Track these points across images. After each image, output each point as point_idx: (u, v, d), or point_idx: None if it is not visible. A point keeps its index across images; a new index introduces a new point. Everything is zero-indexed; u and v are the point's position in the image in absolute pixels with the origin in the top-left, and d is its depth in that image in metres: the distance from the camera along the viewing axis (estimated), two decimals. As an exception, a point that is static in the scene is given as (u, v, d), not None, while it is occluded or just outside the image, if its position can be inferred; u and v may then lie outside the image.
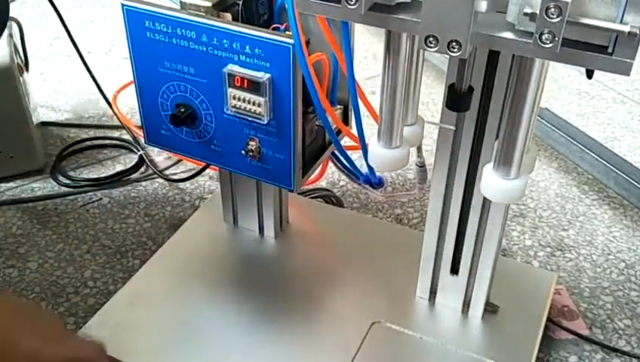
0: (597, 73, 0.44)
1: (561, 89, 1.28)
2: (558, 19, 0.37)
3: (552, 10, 0.37)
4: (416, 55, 0.53)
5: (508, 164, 0.49)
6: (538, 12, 0.37)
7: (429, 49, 0.40)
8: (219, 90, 0.64)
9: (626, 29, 0.37)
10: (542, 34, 0.38)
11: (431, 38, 0.40)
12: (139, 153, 1.06)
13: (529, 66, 0.44)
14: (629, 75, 0.38)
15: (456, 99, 0.51)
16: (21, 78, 0.98)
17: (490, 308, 0.73)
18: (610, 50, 0.39)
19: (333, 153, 0.75)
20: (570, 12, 0.37)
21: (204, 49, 0.62)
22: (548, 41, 0.38)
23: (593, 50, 0.39)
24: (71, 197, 0.99)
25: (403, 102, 0.50)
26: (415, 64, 0.54)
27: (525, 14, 0.38)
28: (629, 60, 0.38)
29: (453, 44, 0.39)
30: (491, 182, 0.51)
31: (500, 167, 0.50)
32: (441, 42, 0.40)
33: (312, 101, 0.61)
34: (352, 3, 0.41)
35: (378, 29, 0.45)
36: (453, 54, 0.40)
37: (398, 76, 0.49)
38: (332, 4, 0.44)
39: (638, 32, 0.37)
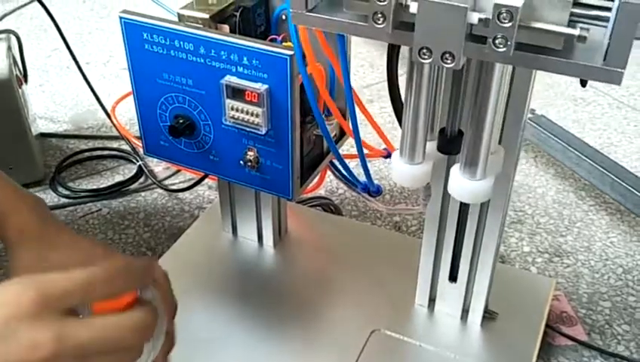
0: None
1: (557, 95, 1.29)
2: (509, 23, 0.38)
3: (504, 15, 0.38)
4: (439, 69, 0.53)
5: (474, 165, 0.50)
6: (490, 17, 0.38)
7: (422, 61, 0.41)
8: (217, 101, 0.64)
9: (576, 32, 0.38)
10: (495, 38, 0.39)
11: (425, 50, 0.40)
12: (138, 163, 1.06)
13: (490, 69, 0.45)
14: (619, 84, 0.39)
15: (446, 144, 0.53)
16: (20, 90, 0.98)
17: (489, 315, 0.73)
18: (565, 53, 0.40)
19: (331, 162, 0.75)
20: (522, 16, 0.38)
21: (202, 61, 0.63)
22: (501, 45, 0.39)
23: (547, 54, 0.40)
24: (70, 208, 0.99)
25: (427, 118, 0.51)
26: (438, 78, 0.54)
27: (480, 20, 0.40)
28: (585, 63, 0.39)
29: (447, 55, 0.40)
30: (458, 182, 0.52)
31: (467, 168, 0.51)
32: (435, 54, 0.40)
33: (310, 110, 0.62)
34: (380, 22, 0.41)
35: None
36: (447, 65, 0.40)
37: (422, 91, 0.49)
38: (326, 17, 0.45)
39: (587, 35, 0.38)
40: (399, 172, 0.55)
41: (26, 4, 1.50)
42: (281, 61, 0.59)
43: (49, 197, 1.01)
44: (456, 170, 0.52)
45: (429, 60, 0.40)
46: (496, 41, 0.39)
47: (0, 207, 0.54)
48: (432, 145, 0.58)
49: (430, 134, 0.57)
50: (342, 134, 0.74)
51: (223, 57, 0.62)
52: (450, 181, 0.53)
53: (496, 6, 0.38)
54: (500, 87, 0.47)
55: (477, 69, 0.46)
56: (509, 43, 0.39)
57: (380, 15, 0.41)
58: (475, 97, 0.47)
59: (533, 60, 0.41)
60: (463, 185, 0.52)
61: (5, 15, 1.26)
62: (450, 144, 0.53)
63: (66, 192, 1.02)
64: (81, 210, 0.99)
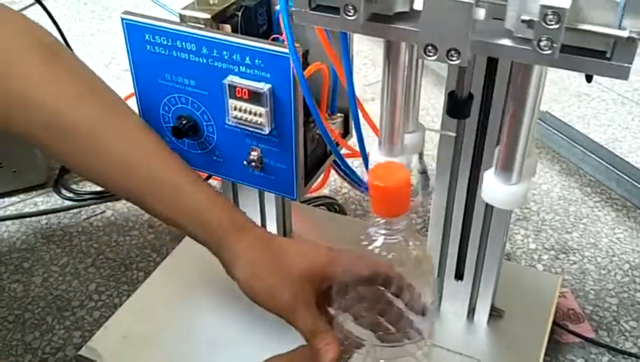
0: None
1: (561, 91, 1.28)
2: (556, 25, 0.37)
3: (551, 16, 0.37)
4: (416, 63, 0.53)
5: (509, 169, 0.49)
6: (536, 19, 0.37)
7: (428, 58, 0.40)
8: (220, 102, 0.64)
9: (625, 34, 0.37)
10: (540, 40, 0.38)
11: (430, 47, 0.40)
12: (141, 165, 1.06)
13: (528, 72, 0.44)
14: (627, 79, 0.39)
15: (456, 106, 0.51)
16: (23, 93, 0.98)
17: (495, 313, 0.73)
18: (608, 55, 0.39)
19: (334, 161, 0.75)
20: (569, 18, 0.37)
21: (205, 61, 0.63)
22: (547, 48, 0.38)
23: (592, 56, 0.39)
24: (74, 210, 0.99)
25: (403, 110, 0.50)
26: (414, 72, 0.54)
27: (523, 21, 0.39)
28: (627, 65, 0.38)
29: (452, 52, 0.39)
30: (492, 187, 0.51)
31: (501, 173, 0.50)
32: (440, 51, 0.40)
33: (312, 113, 0.62)
34: (351, 14, 0.41)
35: (377, 35, 0.45)
36: (452, 62, 0.40)
37: (397, 84, 0.49)
38: (330, 15, 0.44)
39: (636, 36, 0.37)
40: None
41: (27, 7, 1.50)
42: (283, 60, 0.59)
43: (53, 199, 1.01)
44: (490, 175, 0.51)
45: (435, 57, 0.40)
46: (542, 44, 0.38)
47: (201, 205, 0.56)
48: (410, 138, 0.58)
49: (407, 127, 0.57)
50: (346, 132, 0.74)
51: (226, 57, 0.62)
52: (484, 186, 0.52)
53: (543, 7, 0.37)
54: (538, 89, 0.45)
55: (515, 71, 0.45)
56: (554, 45, 0.38)
57: (350, 7, 0.41)
58: (513, 99, 0.46)
59: (578, 62, 0.40)
60: (498, 190, 0.51)
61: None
62: (460, 107, 0.52)
63: (70, 195, 1.02)
64: (85, 212, 0.99)
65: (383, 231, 0.48)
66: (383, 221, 0.47)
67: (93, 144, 0.56)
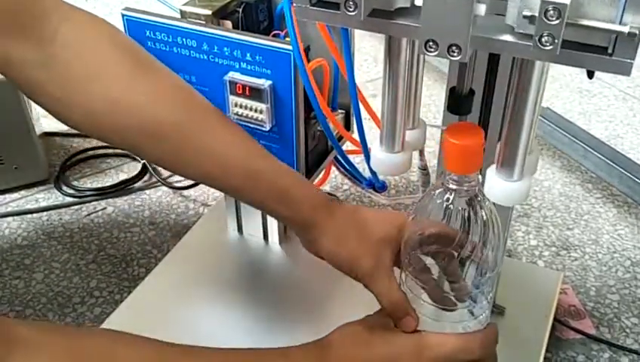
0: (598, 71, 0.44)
1: (563, 87, 1.28)
2: (557, 21, 0.37)
3: (552, 12, 0.37)
4: (417, 59, 0.53)
5: (511, 165, 0.49)
6: (537, 14, 0.37)
7: (429, 53, 0.40)
8: (220, 98, 0.64)
9: (626, 29, 0.37)
10: (541, 36, 0.38)
11: (431, 43, 0.40)
12: (142, 161, 1.06)
13: (529, 68, 0.44)
14: (629, 75, 0.38)
15: (457, 102, 0.51)
16: (23, 90, 0.98)
17: (496, 310, 0.73)
18: (610, 50, 0.39)
19: (335, 157, 0.75)
20: (570, 14, 0.37)
21: (205, 57, 0.63)
22: (548, 44, 0.38)
23: (593, 51, 0.39)
24: (75, 207, 0.99)
25: (404, 107, 0.50)
26: (416, 68, 0.54)
27: (524, 17, 0.38)
28: (629, 60, 0.38)
29: (453, 48, 0.39)
30: (495, 184, 0.51)
31: (503, 169, 0.50)
32: (441, 46, 0.40)
33: (314, 107, 0.62)
34: (352, 9, 0.41)
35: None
36: (453, 58, 0.40)
37: (398, 81, 0.49)
38: (331, 10, 0.44)
39: (637, 32, 0.37)
40: (378, 161, 0.55)
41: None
42: (284, 57, 0.59)
43: (54, 196, 1.01)
44: (492, 171, 0.51)
45: (435, 53, 0.40)
46: (543, 39, 0.38)
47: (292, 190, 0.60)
48: (411, 134, 0.58)
49: (409, 123, 0.56)
50: (347, 129, 0.74)
51: (226, 53, 0.62)
52: (487, 183, 0.52)
53: (544, 3, 0.37)
54: (540, 85, 0.45)
55: (515, 67, 0.45)
56: (556, 41, 0.37)
57: (351, 3, 0.41)
58: (514, 96, 0.46)
59: (579, 58, 0.40)
60: (500, 187, 0.51)
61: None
62: (461, 103, 0.52)
63: (71, 191, 1.02)
64: (86, 208, 0.99)
65: (454, 187, 0.49)
66: (456, 177, 0.49)
67: (189, 145, 0.58)
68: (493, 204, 0.52)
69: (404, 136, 0.54)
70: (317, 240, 0.60)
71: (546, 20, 0.37)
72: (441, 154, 0.64)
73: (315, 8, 0.44)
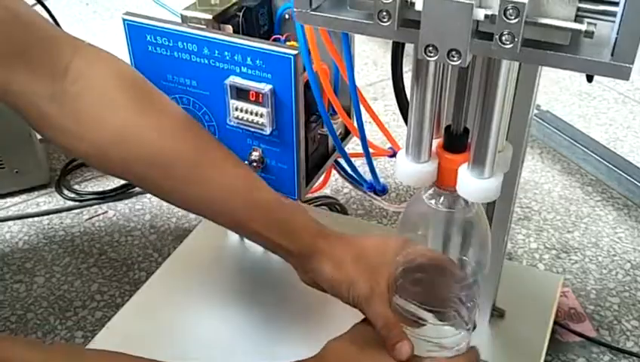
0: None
1: (562, 91, 1.28)
2: (516, 20, 0.38)
3: (510, 11, 0.38)
4: (444, 67, 0.53)
5: (481, 163, 0.50)
6: (497, 13, 0.38)
7: (429, 58, 0.40)
8: (221, 102, 0.64)
9: (583, 27, 0.38)
10: (502, 35, 0.38)
11: (430, 48, 0.40)
12: (143, 165, 1.06)
13: (496, 67, 0.45)
14: (628, 79, 0.39)
15: (452, 141, 0.52)
16: (24, 94, 0.98)
17: (497, 313, 0.73)
18: (572, 48, 0.39)
19: (336, 161, 0.75)
20: (529, 12, 0.38)
21: (206, 61, 0.63)
22: (508, 42, 0.38)
23: (554, 49, 0.40)
24: (76, 210, 1.00)
25: (433, 116, 0.50)
26: (441, 78, 0.53)
27: (486, 16, 0.39)
28: (628, 65, 0.38)
29: (453, 53, 0.40)
30: (466, 181, 0.52)
31: (475, 167, 0.51)
32: (441, 51, 0.40)
33: (316, 109, 0.62)
34: (385, 20, 0.41)
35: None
36: (453, 63, 0.40)
37: (427, 90, 0.49)
38: (331, 15, 0.44)
39: (594, 30, 0.37)
40: (404, 170, 0.54)
41: (28, 8, 1.50)
42: (284, 61, 0.59)
43: (55, 200, 1.02)
44: (464, 169, 0.52)
45: (435, 58, 0.40)
46: (503, 38, 0.38)
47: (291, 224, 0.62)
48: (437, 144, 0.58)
49: (436, 132, 0.56)
50: (346, 133, 0.74)
51: (227, 58, 0.62)
52: (459, 180, 0.53)
53: (503, 2, 0.37)
54: (507, 84, 0.46)
55: (484, 66, 0.46)
56: (515, 39, 0.38)
57: (385, 13, 0.41)
58: (483, 95, 0.47)
59: (541, 57, 0.40)
60: (471, 184, 0.51)
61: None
62: (455, 142, 0.53)
63: (72, 195, 1.02)
64: (87, 212, 0.99)
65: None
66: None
67: (195, 176, 0.60)
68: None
69: (431, 146, 0.54)
70: (316, 268, 0.61)
71: (505, 19, 0.38)
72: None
73: (315, 13, 0.45)
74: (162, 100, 0.62)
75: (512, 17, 0.38)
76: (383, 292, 0.58)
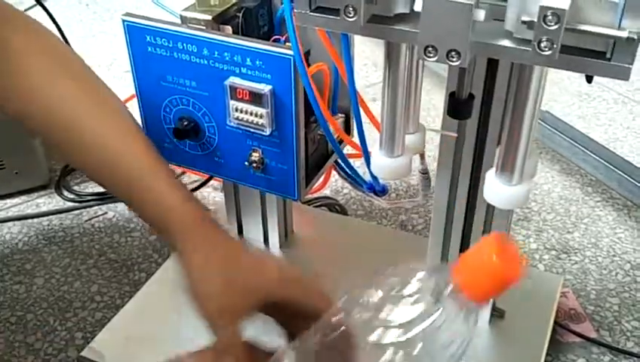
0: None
1: (562, 91, 1.28)
2: (556, 26, 0.37)
3: (550, 17, 0.37)
4: (416, 64, 0.53)
5: (510, 170, 0.50)
6: (536, 20, 0.37)
7: (428, 59, 0.40)
8: (221, 103, 0.64)
9: (624, 34, 0.37)
10: (540, 41, 0.38)
11: (430, 48, 0.40)
12: (142, 166, 1.06)
13: (528, 73, 0.44)
14: (628, 79, 0.39)
15: (457, 106, 0.51)
16: (24, 95, 0.98)
17: (496, 313, 0.73)
18: (608, 55, 0.39)
19: (336, 161, 0.75)
20: (568, 19, 0.37)
21: (206, 62, 0.63)
22: (546, 49, 0.38)
23: (592, 56, 0.39)
24: (76, 211, 1.00)
25: (404, 111, 0.51)
26: (415, 73, 0.54)
27: (523, 22, 0.39)
28: (627, 65, 0.38)
29: (453, 53, 0.40)
30: (494, 188, 0.51)
31: (502, 173, 0.50)
32: (440, 52, 0.40)
33: (314, 111, 0.62)
34: (351, 15, 0.41)
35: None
36: (452, 63, 0.40)
37: (398, 85, 0.49)
38: (331, 16, 0.44)
39: (635, 37, 0.37)
40: (378, 165, 0.55)
41: (28, 9, 1.50)
42: (284, 61, 0.59)
43: (54, 201, 1.02)
44: (491, 175, 0.52)
45: (435, 58, 0.40)
46: (542, 44, 0.38)
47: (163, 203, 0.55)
48: (410, 139, 0.58)
49: (408, 128, 0.57)
50: (347, 133, 0.74)
51: (227, 58, 0.62)
52: (486, 187, 0.52)
53: (542, 8, 0.37)
54: (539, 90, 0.46)
55: (514, 72, 0.45)
56: (555, 46, 0.38)
57: (351, 8, 0.41)
58: (513, 100, 0.46)
59: (578, 63, 0.40)
60: (499, 191, 0.51)
61: (8, 20, 1.26)
62: (460, 107, 0.52)
63: (72, 196, 1.02)
64: (87, 213, 0.99)
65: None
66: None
67: (83, 138, 0.58)
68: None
69: (404, 140, 0.54)
70: (186, 255, 0.56)
71: (544, 25, 0.37)
72: (438, 160, 0.64)
73: (315, 14, 0.45)
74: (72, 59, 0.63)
75: (552, 23, 0.37)
76: (238, 314, 0.54)
